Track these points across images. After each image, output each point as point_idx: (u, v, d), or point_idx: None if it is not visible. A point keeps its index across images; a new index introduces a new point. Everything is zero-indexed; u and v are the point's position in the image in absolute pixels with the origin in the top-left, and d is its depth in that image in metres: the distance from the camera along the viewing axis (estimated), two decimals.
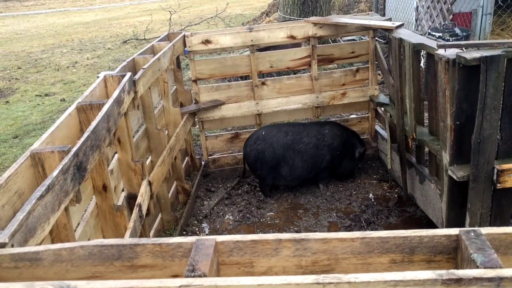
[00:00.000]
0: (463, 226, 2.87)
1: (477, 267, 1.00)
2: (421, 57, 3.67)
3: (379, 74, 4.52)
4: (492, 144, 2.73)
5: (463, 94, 2.75)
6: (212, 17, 15.19)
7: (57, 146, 1.86)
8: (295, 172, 3.94)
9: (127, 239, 1.18)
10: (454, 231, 1.12)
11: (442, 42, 3.16)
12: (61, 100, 7.65)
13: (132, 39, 13.65)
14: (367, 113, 4.64)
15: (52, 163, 1.78)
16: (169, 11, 14.63)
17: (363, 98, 4.47)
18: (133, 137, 3.13)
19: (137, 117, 3.36)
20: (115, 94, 2.52)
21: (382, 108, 4.29)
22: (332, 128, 4.11)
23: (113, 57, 11.26)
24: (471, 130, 2.74)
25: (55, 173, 1.61)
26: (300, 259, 1.16)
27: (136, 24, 17.42)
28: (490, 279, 0.96)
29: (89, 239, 2.25)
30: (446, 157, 2.94)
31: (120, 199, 2.78)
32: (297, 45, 5.04)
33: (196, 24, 14.73)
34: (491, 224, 2.89)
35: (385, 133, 4.23)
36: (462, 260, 1.09)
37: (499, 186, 2.75)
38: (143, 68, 3.16)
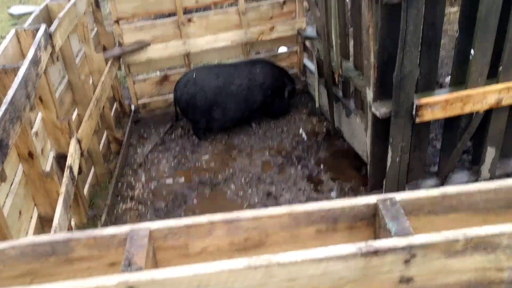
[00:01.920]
0: (386, 158, 3.08)
1: (392, 236, 1.11)
2: None
3: (305, 1, 4.47)
4: (412, 80, 2.87)
5: (385, 31, 2.82)
6: None
7: None
8: (228, 114, 3.96)
9: (59, 235, 1.18)
10: (372, 199, 1.22)
11: None
12: None
13: None
14: (295, 47, 4.65)
15: None
16: None
17: (291, 31, 4.45)
18: (56, 92, 2.97)
19: (58, 69, 3.17)
20: (30, 54, 2.34)
21: (310, 42, 4.31)
22: (263, 67, 4.10)
23: None
24: (393, 67, 2.85)
25: None
26: (233, 238, 1.22)
27: None
28: (403, 248, 1.08)
29: (20, 212, 2.19)
30: (370, 94, 3.07)
31: (49, 162, 2.69)
32: None
33: None
34: (411, 154, 3.11)
35: (313, 67, 4.29)
36: (380, 227, 1.20)
37: (417, 120, 2.93)
38: (59, 18, 2.93)
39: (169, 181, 3.60)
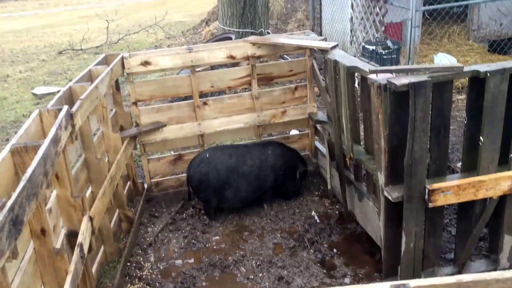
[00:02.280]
0: (400, 244, 3.02)
1: None
2: (356, 78, 3.83)
3: (316, 87, 4.64)
4: (422, 165, 2.90)
5: (395, 117, 2.90)
6: (151, 26, 14.96)
7: None
8: (240, 194, 3.98)
9: None
10: (385, 285, 1.19)
11: (374, 67, 3.30)
12: None
13: (68, 49, 13.15)
14: (307, 130, 4.76)
15: None
16: (106, 20, 14.24)
17: (303, 115, 4.59)
18: (72, 170, 3.04)
19: (75, 148, 3.26)
20: (51, 133, 2.44)
21: (321, 126, 4.42)
22: (275, 148, 4.19)
23: (48, 69, 10.81)
24: (403, 152, 2.89)
25: None
26: None
27: (71, 33, 16.77)
28: None
29: None
30: (381, 178, 3.09)
31: (59, 239, 2.69)
32: (237, 64, 5.10)
33: (134, 33, 14.43)
34: (426, 240, 3.06)
35: (324, 149, 4.37)
36: None
37: (430, 205, 2.91)
38: (81, 99, 3.07)
39: (179, 262, 3.54)
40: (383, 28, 7.24)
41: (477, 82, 2.91)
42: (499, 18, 8.23)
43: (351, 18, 8.33)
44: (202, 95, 4.50)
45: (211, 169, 3.95)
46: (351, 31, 8.41)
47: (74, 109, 2.92)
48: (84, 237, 2.71)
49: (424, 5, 7.27)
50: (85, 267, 2.68)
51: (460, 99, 6.22)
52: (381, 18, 7.25)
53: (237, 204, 4.07)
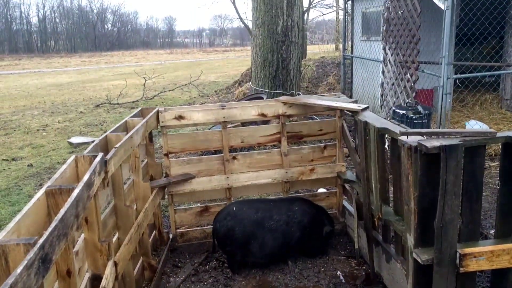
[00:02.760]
0: None
1: None
2: (386, 139, 3.85)
3: (345, 148, 4.67)
4: (453, 228, 2.82)
5: (425, 179, 2.87)
6: (186, 84, 15.53)
7: (22, 238, 1.83)
8: (265, 249, 3.93)
9: None
10: None
11: (405, 129, 3.33)
12: (28, 165, 7.51)
13: (105, 103, 13.73)
14: (335, 189, 4.74)
15: (16, 256, 1.74)
16: (144, 77, 14.90)
17: (331, 174, 4.59)
18: (101, 215, 3.10)
19: (106, 194, 3.34)
20: (85, 178, 2.52)
21: (349, 185, 4.39)
22: (302, 205, 4.17)
23: (85, 121, 11.26)
24: (434, 214, 2.84)
25: (18, 270, 1.57)
26: None
27: (110, 88, 17.58)
28: None
29: None
30: (411, 240, 3.01)
31: (83, 282, 2.69)
32: (266, 121, 5.21)
33: (169, 90, 15.00)
34: None
35: (352, 209, 4.31)
36: None
37: (462, 270, 2.81)
38: (115, 148, 3.18)
39: None
40: (414, 94, 7.31)
41: (511, 148, 2.88)
42: None
43: (382, 83, 8.47)
44: (231, 150, 4.59)
45: (237, 223, 3.94)
46: (381, 95, 8.52)
47: (108, 156, 3.03)
48: (107, 281, 2.71)
49: (456, 73, 7.35)
50: None
51: (493, 166, 6.11)
52: (412, 84, 7.34)
53: (261, 260, 4.01)
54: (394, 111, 6.60)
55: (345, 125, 4.58)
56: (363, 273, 3.93)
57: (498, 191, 3.03)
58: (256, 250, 3.93)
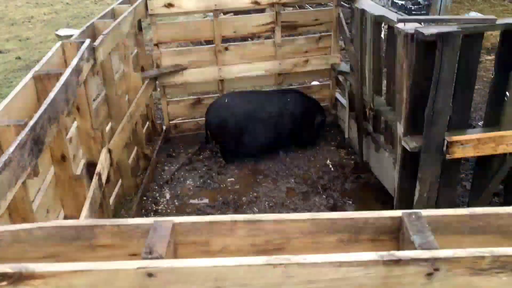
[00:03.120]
0: (413, 194, 3.03)
1: (415, 248, 1.09)
2: (382, 28, 3.73)
3: (342, 41, 4.55)
4: (443, 117, 2.85)
5: (419, 68, 2.83)
6: None
7: (13, 120, 1.83)
8: (257, 140, 4.00)
9: (85, 221, 1.21)
10: (397, 213, 1.20)
11: (402, 16, 3.21)
12: (16, 58, 7.33)
13: None
14: (328, 81, 4.70)
15: (8, 137, 1.75)
16: None
17: (325, 65, 4.52)
18: (93, 104, 3.08)
19: (96, 83, 3.29)
20: (73, 63, 2.46)
21: (343, 77, 4.35)
22: (294, 97, 4.16)
23: (72, 12, 10.78)
24: (425, 103, 2.85)
25: (11, 148, 1.59)
26: (254, 239, 1.22)
27: None
28: (426, 260, 1.05)
29: (47, 210, 2.25)
30: (400, 128, 3.06)
31: (79, 168, 2.76)
32: (261, 11, 5.00)
33: None
34: (439, 192, 3.05)
35: (344, 101, 4.32)
36: (403, 240, 1.18)
37: (448, 157, 2.89)
38: (103, 34, 3.07)
39: (194, 200, 3.62)
40: None
41: (510, 36, 2.81)
42: None
43: None
44: (224, 40, 4.45)
45: (230, 114, 3.95)
46: None
47: (96, 43, 2.93)
48: (102, 167, 2.78)
49: None
50: (102, 196, 2.77)
51: (488, 60, 6.03)
52: None
53: (254, 150, 4.10)
54: (392, 1, 6.34)
55: (341, 14, 4.41)
56: (352, 162, 4.05)
57: (491, 80, 3.01)
58: (249, 140, 3.99)
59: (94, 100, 3.24)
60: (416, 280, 1.07)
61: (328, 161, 4.09)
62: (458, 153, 2.91)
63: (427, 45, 2.75)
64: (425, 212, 1.21)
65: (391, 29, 3.31)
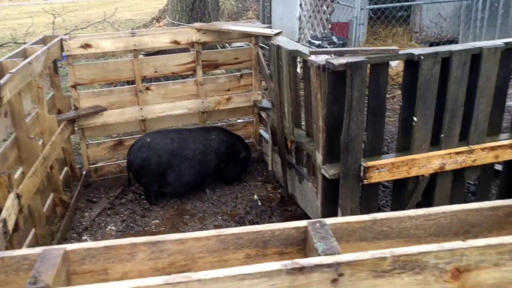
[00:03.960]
0: None
1: (319, 255, 1.07)
2: (298, 63, 3.87)
3: (262, 79, 4.67)
4: (358, 143, 2.96)
5: (332, 97, 2.95)
6: (100, 22, 14.55)
7: None
8: (182, 178, 3.92)
9: None
10: (302, 223, 1.19)
11: (315, 49, 3.36)
12: None
13: (10, 42, 12.57)
14: (251, 118, 4.77)
15: None
16: (53, 14, 13.74)
17: (248, 103, 4.59)
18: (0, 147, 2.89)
19: (4, 125, 3.09)
20: None
21: (265, 113, 4.43)
22: (218, 133, 4.16)
23: None
24: (340, 131, 2.95)
25: None
26: (156, 262, 1.15)
27: (15, 27, 16.06)
28: (329, 265, 1.04)
29: None
30: (319, 157, 3.13)
31: None
32: (186, 49, 5.05)
33: (82, 29, 13.98)
34: None
35: (268, 136, 4.38)
36: (309, 250, 1.16)
37: (365, 181, 2.98)
38: (11, 73, 2.93)
39: None
40: (329, 26, 7.39)
41: (412, 65, 3.01)
42: (439, 21, 8.61)
43: (300, 16, 8.45)
44: (145, 80, 4.41)
45: (153, 153, 3.86)
46: (299, 29, 8.53)
47: (2, 81, 2.78)
48: (9, 213, 2.57)
49: (369, 4, 7.51)
50: (10, 245, 2.54)
51: (399, 94, 6.43)
52: (328, 16, 7.40)
53: (179, 189, 4.00)
54: (310, 41, 6.66)
55: (260, 52, 4.54)
56: (278, 196, 4.07)
57: (400, 107, 3.19)
58: (173, 180, 3.90)
59: (1, 143, 3.05)
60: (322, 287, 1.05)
61: (255, 196, 4.08)
62: (375, 177, 3.02)
63: (338, 75, 2.87)
64: (330, 220, 1.21)
65: (305, 62, 3.44)
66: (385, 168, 3.00)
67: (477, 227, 1.25)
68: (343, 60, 2.86)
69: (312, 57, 3.08)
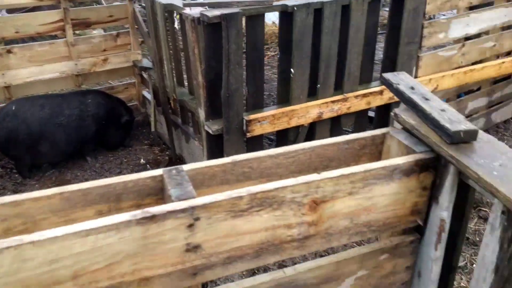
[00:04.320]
0: None
1: (173, 201, 1.01)
2: (175, 18, 3.72)
3: (141, 38, 4.43)
4: (239, 97, 2.93)
5: (210, 51, 2.86)
6: None
7: None
8: (57, 148, 3.62)
9: None
10: (158, 171, 1.12)
11: (189, 1, 3.22)
12: None
13: None
14: (133, 79, 4.53)
15: None
16: None
17: (127, 63, 4.34)
18: None
19: None
20: None
21: (147, 73, 4.23)
22: (96, 97, 3.89)
23: None
24: (221, 86, 2.89)
25: None
26: None
27: None
28: (183, 210, 0.98)
29: None
30: (202, 114, 3.06)
31: None
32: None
33: None
34: None
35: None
36: (166, 198, 1.10)
37: (248, 135, 2.99)
38: None
39: None
40: None
41: (286, 16, 3.01)
42: None
43: None
44: (5, 42, 3.95)
45: (20, 122, 3.49)
46: None
47: None
48: None
49: None
50: None
51: None
52: None
53: (55, 159, 3.71)
54: None
55: (137, 9, 4.28)
56: (167, 158, 3.96)
57: (278, 59, 3.21)
58: (47, 150, 3.59)
59: None
60: (178, 235, 1.00)
61: (142, 160, 3.93)
62: (257, 130, 3.04)
63: (213, 27, 2.78)
64: (189, 166, 1.15)
65: (182, 16, 3.30)
66: (267, 121, 3.03)
67: (335, 161, 1.28)
68: (217, 12, 2.77)
69: (187, 10, 2.95)
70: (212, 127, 2.96)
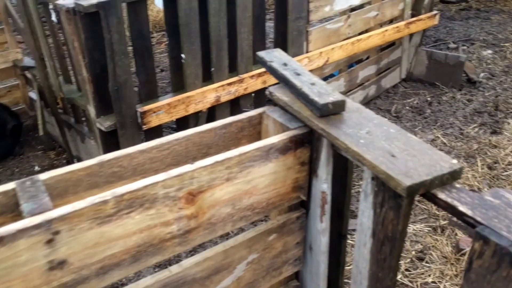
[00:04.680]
0: None
1: (25, 217, 0.90)
2: (52, 10, 3.44)
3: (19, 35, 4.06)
4: (129, 88, 2.79)
5: (91, 43, 2.67)
6: None
7: None
8: None
9: None
10: (10, 185, 1.00)
11: None
12: None
13: None
14: (16, 81, 4.16)
15: None
16: None
17: (6, 64, 3.97)
18: None
19: None
20: None
21: (30, 72, 3.90)
22: None
23: None
24: (108, 79, 2.73)
25: None
26: None
27: None
28: (37, 226, 0.88)
29: None
30: (92, 110, 2.89)
31: None
32: None
33: None
34: None
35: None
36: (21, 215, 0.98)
37: (145, 127, 2.86)
38: None
39: None
40: None
41: (171, 0, 2.90)
42: None
43: None
44: None
45: None
46: None
47: None
48: None
49: None
50: None
51: None
52: None
53: None
54: None
55: (9, 3, 3.90)
56: (64, 161, 3.71)
57: (167, 45, 3.09)
58: None
59: None
60: (36, 254, 0.89)
61: (36, 167, 3.64)
62: (154, 121, 2.91)
63: (91, 17, 2.60)
64: (47, 175, 1.04)
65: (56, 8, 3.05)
66: (163, 110, 2.92)
67: (214, 148, 1.23)
68: (93, 1, 2.58)
69: (60, 0, 2.72)
70: (104, 124, 2.80)
